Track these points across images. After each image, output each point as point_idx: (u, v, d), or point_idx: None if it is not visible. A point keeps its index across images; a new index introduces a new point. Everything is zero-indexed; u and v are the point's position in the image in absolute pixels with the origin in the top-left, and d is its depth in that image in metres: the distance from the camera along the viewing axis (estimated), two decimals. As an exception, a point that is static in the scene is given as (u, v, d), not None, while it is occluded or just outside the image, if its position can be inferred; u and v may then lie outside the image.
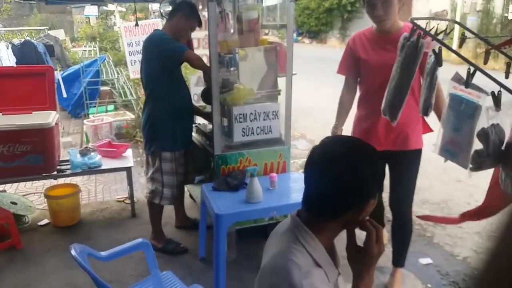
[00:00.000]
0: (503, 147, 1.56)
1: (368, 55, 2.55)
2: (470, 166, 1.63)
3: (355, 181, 1.15)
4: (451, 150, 1.80)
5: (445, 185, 4.65)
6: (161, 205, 3.27)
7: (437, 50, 1.81)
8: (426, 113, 2.05)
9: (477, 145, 1.63)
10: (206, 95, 3.19)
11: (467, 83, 1.59)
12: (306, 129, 6.74)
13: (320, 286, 1.14)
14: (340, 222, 1.21)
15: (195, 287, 1.92)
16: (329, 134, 2.80)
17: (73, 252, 1.87)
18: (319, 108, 8.07)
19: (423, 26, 1.95)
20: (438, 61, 1.78)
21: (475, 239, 3.53)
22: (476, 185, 4.52)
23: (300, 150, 5.84)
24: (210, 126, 3.28)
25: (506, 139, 1.54)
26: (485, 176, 1.80)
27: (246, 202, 2.76)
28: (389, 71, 2.18)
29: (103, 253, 2.14)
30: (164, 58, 2.98)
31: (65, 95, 6.83)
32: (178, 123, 3.16)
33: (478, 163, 1.57)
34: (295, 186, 3.12)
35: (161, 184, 3.18)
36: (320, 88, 9.77)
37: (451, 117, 1.73)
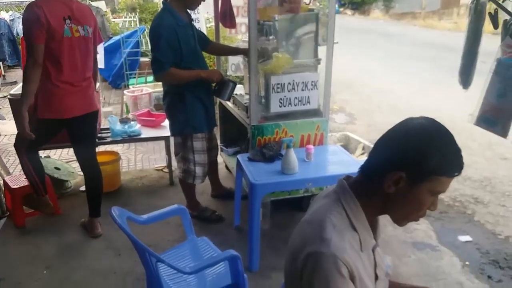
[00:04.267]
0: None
1: None
2: None
3: (405, 143, 1.13)
4: (491, 118, 1.73)
5: (489, 162, 4.47)
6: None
7: (493, 12, 1.70)
8: (466, 84, 1.95)
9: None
10: (217, 92, 3.14)
11: (522, 47, 1.50)
12: (346, 102, 6.61)
13: (347, 246, 1.14)
14: (380, 191, 1.17)
15: (229, 251, 1.95)
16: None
17: (113, 214, 1.92)
18: (359, 81, 7.88)
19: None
20: (494, 23, 1.68)
21: (520, 218, 3.40)
22: (522, 163, 4.33)
23: (338, 124, 5.75)
24: (247, 97, 3.26)
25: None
26: None
27: (281, 173, 2.76)
28: None
29: (142, 217, 2.20)
30: None
31: (102, 66, 6.93)
32: (207, 104, 3.15)
33: None
34: (332, 159, 3.08)
35: (193, 163, 3.17)
36: (361, 60, 9.52)
37: (496, 83, 1.65)
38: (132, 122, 3.92)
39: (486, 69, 2.16)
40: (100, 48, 6.64)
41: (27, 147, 3.00)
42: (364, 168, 1.24)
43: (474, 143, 4.83)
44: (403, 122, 1.19)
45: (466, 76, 2.05)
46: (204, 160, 3.22)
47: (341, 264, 1.10)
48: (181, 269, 1.85)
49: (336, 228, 1.16)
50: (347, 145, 4.10)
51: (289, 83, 2.99)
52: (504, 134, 1.70)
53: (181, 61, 2.93)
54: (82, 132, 3.05)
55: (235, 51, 3.64)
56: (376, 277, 1.28)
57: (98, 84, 3.84)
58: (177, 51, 2.89)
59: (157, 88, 6.64)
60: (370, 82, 7.79)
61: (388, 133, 1.20)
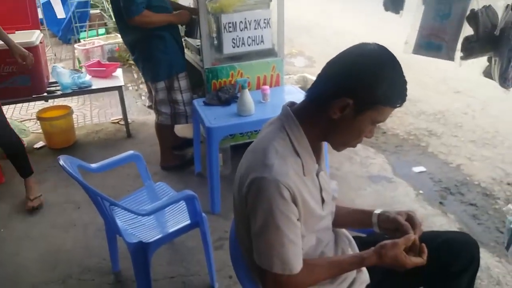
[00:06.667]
0: (496, 32, 1.46)
1: None
2: (461, 55, 1.55)
3: (356, 70, 1.11)
4: (435, 42, 1.70)
5: (443, 96, 4.59)
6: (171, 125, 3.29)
7: None
8: (397, 8, 1.89)
9: (467, 32, 1.55)
10: (189, 32, 3.10)
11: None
12: (304, 46, 6.53)
13: (289, 171, 1.15)
14: (324, 116, 1.17)
15: (185, 192, 1.94)
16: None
17: (61, 162, 1.86)
18: (318, 24, 7.78)
19: None
20: None
21: (470, 147, 3.53)
22: (474, 95, 4.47)
23: (297, 68, 5.71)
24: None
25: (499, 23, 1.45)
26: (484, 86, 1.71)
27: (237, 115, 2.74)
28: None
29: (94, 165, 2.15)
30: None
31: (63, 15, 6.51)
32: (181, 44, 3.10)
33: (468, 49, 1.50)
34: (288, 99, 3.03)
35: (183, 103, 3.13)
36: (319, 3, 9.38)
37: (435, 4, 1.62)
38: (81, 73, 3.75)
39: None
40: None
41: None
42: (311, 93, 1.22)
43: (428, 78, 4.93)
44: (356, 47, 1.16)
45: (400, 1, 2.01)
46: (191, 98, 3.16)
47: (283, 187, 1.12)
48: (136, 211, 1.83)
49: (278, 154, 1.17)
50: (305, 86, 4.09)
51: (241, 22, 2.91)
52: (450, 57, 1.68)
53: (151, 1, 2.81)
54: None
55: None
56: (323, 201, 1.30)
57: (41, 36, 3.63)
58: None
59: (110, 40, 6.37)
60: (329, 24, 7.71)
61: (339, 58, 1.17)
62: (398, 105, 1.15)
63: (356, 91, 1.11)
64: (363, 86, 1.11)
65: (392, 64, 1.13)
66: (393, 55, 1.14)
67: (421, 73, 4.87)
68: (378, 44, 1.16)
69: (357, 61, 1.13)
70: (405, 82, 1.15)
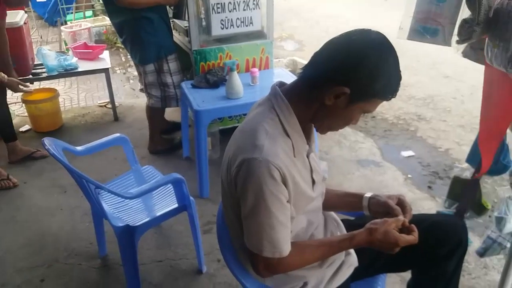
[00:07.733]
0: (490, 14, 1.43)
1: None
2: (457, 39, 1.50)
3: (358, 61, 1.07)
4: (431, 28, 1.63)
5: (432, 80, 4.59)
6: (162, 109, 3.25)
7: None
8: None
9: (463, 14, 1.50)
10: (177, 14, 3.08)
11: None
12: (294, 30, 6.47)
13: (279, 152, 1.13)
14: (316, 100, 1.14)
15: (172, 175, 1.92)
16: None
17: (46, 145, 1.82)
18: (308, 7, 7.71)
19: None
20: None
21: (458, 132, 3.55)
22: (463, 80, 4.48)
23: (287, 51, 5.66)
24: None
25: (495, 4, 1.41)
26: (473, 71, 1.67)
27: (226, 98, 2.71)
28: None
29: (79, 148, 2.11)
30: None
31: None
32: (169, 25, 3.04)
33: (469, 32, 1.43)
34: (278, 82, 3.04)
35: (173, 86, 3.09)
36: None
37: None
38: (67, 56, 3.67)
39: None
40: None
41: None
42: (305, 74, 1.18)
43: (418, 63, 4.92)
44: (359, 33, 1.12)
45: None
46: (182, 80, 3.11)
47: (273, 168, 1.10)
48: (122, 194, 1.80)
49: (268, 135, 1.15)
50: (295, 70, 4.07)
51: (230, 3, 2.85)
52: (447, 42, 1.61)
53: None
54: None
55: None
56: (313, 182, 1.29)
57: (25, 16, 3.52)
58: None
59: (97, 23, 6.25)
60: (318, 8, 7.65)
61: (341, 43, 1.12)
62: (389, 99, 1.14)
63: (355, 82, 1.08)
64: (364, 78, 1.08)
65: (394, 59, 1.11)
66: (394, 48, 1.11)
67: (411, 58, 4.86)
68: (380, 33, 1.12)
69: (361, 52, 1.08)
70: (400, 77, 1.13)
